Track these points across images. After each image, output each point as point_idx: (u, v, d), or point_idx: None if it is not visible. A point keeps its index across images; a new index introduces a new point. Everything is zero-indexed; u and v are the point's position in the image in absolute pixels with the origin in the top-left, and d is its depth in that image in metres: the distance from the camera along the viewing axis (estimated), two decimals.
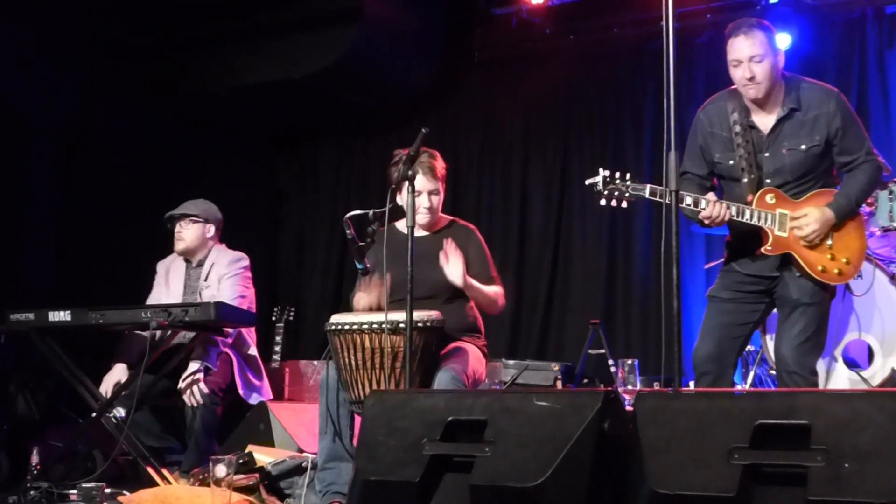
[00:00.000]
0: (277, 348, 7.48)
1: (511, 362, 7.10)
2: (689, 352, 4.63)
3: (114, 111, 7.90)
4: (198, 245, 5.94)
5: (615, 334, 7.85)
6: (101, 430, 5.41)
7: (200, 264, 5.96)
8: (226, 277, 5.86)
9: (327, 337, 4.50)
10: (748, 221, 4.52)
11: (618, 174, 4.50)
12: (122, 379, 5.54)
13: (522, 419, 3.22)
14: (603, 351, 7.05)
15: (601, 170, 4.51)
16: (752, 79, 4.50)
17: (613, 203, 4.51)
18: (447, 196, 5.22)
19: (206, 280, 5.88)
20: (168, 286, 5.99)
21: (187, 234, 5.91)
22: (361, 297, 4.78)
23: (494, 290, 4.86)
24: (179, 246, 5.93)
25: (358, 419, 4.48)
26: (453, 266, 4.64)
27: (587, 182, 4.55)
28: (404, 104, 8.81)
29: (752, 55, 4.49)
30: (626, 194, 4.50)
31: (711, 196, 4.54)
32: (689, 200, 4.47)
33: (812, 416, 2.86)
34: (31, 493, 4.99)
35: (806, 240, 4.52)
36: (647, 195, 4.47)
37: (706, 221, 4.50)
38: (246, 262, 5.96)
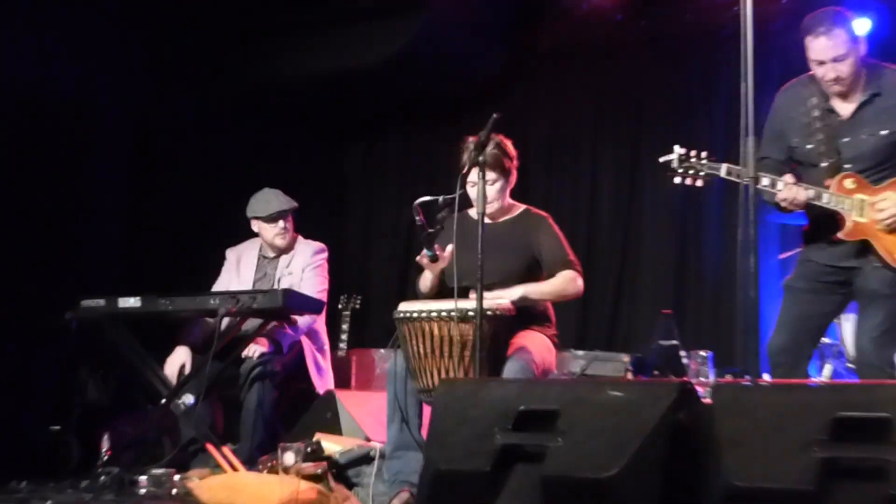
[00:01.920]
0: (344, 336, 7.50)
1: (580, 353, 7.05)
2: (765, 343, 4.57)
3: (181, 101, 7.94)
4: (292, 238, 6.08)
5: (686, 324, 7.76)
6: (170, 416, 5.47)
7: (278, 257, 6.05)
8: (310, 268, 5.98)
9: (395, 325, 4.51)
10: (825, 206, 4.44)
11: (693, 152, 4.46)
12: (187, 363, 5.61)
13: (596, 409, 3.21)
14: (674, 342, 7.00)
15: (676, 147, 4.47)
16: (836, 79, 4.42)
17: (688, 181, 4.48)
18: (516, 185, 5.19)
19: (288, 267, 5.98)
20: (239, 273, 6.07)
21: (290, 228, 6.04)
22: (426, 276, 4.85)
23: (557, 282, 4.81)
24: (284, 242, 6.02)
25: (426, 408, 4.50)
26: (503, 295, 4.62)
27: (661, 160, 4.52)
28: (471, 92, 8.77)
29: (834, 56, 4.39)
30: (702, 172, 4.46)
31: (789, 177, 4.46)
32: (766, 182, 4.39)
33: (893, 409, 2.81)
34: (102, 478, 5.05)
35: (885, 224, 4.42)
36: (722, 174, 4.42)
37: (783, 204, 4.42)
38: (326, 252, 6.09)
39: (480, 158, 4.35)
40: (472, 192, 4.73)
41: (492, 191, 4.84)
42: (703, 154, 4.48)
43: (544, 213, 5.05)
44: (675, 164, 4.48)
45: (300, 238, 6.13)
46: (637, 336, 8.02)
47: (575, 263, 4.89)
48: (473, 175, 4.59)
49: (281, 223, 5.99)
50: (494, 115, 4.30)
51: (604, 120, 8.63)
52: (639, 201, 8.36)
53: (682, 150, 4.47)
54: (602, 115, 8.64)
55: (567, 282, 4.83)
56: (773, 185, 4.41)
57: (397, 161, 9.62)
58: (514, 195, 5.11)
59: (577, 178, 8.68)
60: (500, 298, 4.52)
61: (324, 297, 5.89)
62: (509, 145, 4.97)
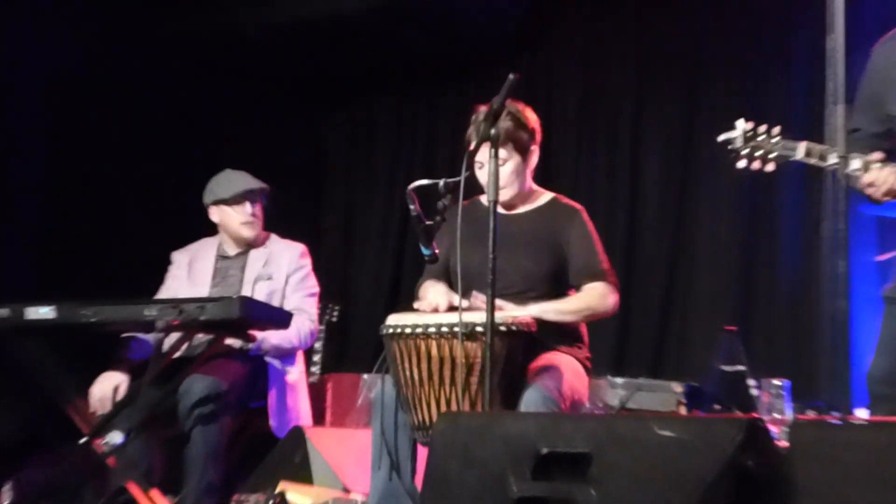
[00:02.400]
0: (317, 357, 7.51)
1: (619, 381, 7.05)
2: (858, 368, 4.52)
3: (118, 58, 7.94)
4: (262, 228, 6.16)
5: (755, 345, 7.74)
6: (93, 458, 5.42)
7: (244, 254, 6.11)
8: (300, 278, 6.09)
9: (383, 343, 4.50)
10: None
11: (762, 127, 4.41)
12: (120, 389, 5.58)
13: (639, 453, 3.19)
14: (741, 367, 6.97)
15: (740, 122, 4.42)
16: None
17: (755, 165, 4.42)
18: (537, 167, 5.16)
19: (265, 267, 6.05)
20: (192, 279, 6.09)
21: (260, 215, 6.13)
22: (431, 287, 4.85)
23: (584, 298, 4.83)
24: (252, 231, 6.10)
25: (422, 449, 4.49)
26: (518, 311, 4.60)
27: (721, 138, 4.47)
28: (483, 48, 8.77)
29: None
30: (773, 154, 4.40)
31: (877, 155, 4.40)
32: (856, 164, 4.33)
33: None
34: None
35: None
36: (800, 156, 4.36)
37: (868, 190, 4.36)
38: (309, 255, 6.21)
39: (492, 132, 4.32)
40: (482, 174, 4.72)
41: (505, 172, 4.85)
42: (776, 130, 4.43)
43: (578, 205, 5.07)
44: (738, 144, 4.43)
45: (274, 237, 6.21)
46: (692, 360, 8.00)
47: (609, 274, 4.91)
48: (483, 153, 4.57)
49: (248, 206, 6.05)
50: (511, 77, 4.26)
51: (649, 84, 8.63)
52: (693, 189, 8.36)
53: (748, 125, 4.42)
54: (647, 80, 8.63)
55: (597, 298, 4.85)
56: (865, 167, 4.34)
57: (389, 136, 9.67)
58: (536, 180, 5.09)
59: (615, 156, 8.69)
60: (517, 310, 4.49)
61: (314, 309, 6.05)
62: (530, 115, 4.97)
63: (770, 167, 4.45)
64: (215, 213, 6.12)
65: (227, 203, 6.06)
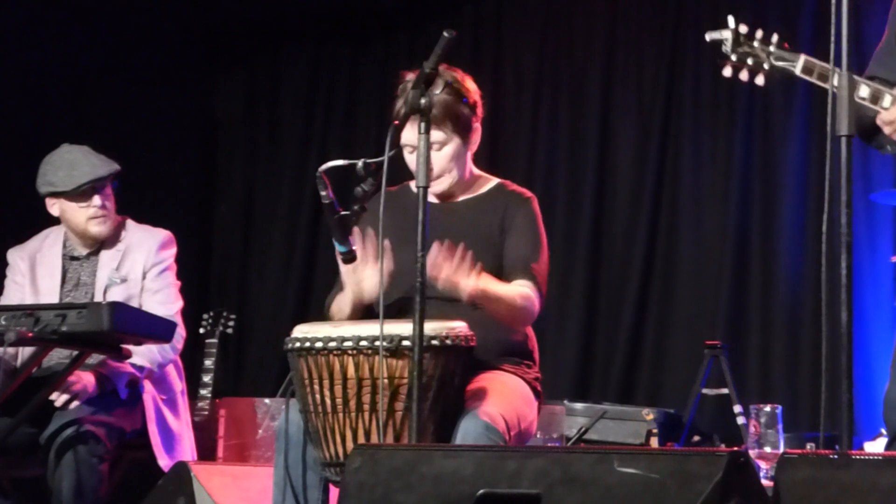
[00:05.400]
0: (207, 378, 7.49)
1: (579, 406, 7.11)
2: (867, 393, 4.61)
3: None
4: (116, 219, 6.05)
5: (743, 363, 7.86)
6: None
7: (98, 250, 6.02)
8: (158, 272, 5.98)
9: (288, 360, 4.50)
10: None
11: (759, 33, 4.46)
12: None
13: (597, 495, 3.22)
14: (726, 391, 7.03)
15: (731, 19, 4.48)
16: None
17: (744, 76, 4.48)
18: (483, 144, 5.20)
19: (118, 270, 5.95)
20: (35, 285, 6.01)
21: (111, 207, 5.99)
22: (346, 300, 4.80)
23: (514, 292, 4.81)
24: (104, 228, 5.96)
25: (335, 491, 4.47)
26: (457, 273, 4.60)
27: (709, 37, 4.52)
28: None
29: None
30: (766, 64, 4.47)
31: None
32: (864, 92, 4.37)
33: None
34: None
35: None
36: (798, 71, 4.42)
37: (886, 130, 4.40)
38: (175, 246, 6.10)
39: (422, 101, 4.33)
40: (412, 160, 4.75)
41: (440, 158, 4.87)
42: (774, 38, 4.47)
43: (528, 193, 5.06)
44: (727, 47, 4.48)
45: (130, 223, 6.09)
46: (668, 382, 8.08)
47: (539, 277, 4.89)
48: (411, 134, 4.60)
49: (97, 199, 5.91)
50: (445, 35, 4.30)
51: (623, 39, 8.72)
52: (674, 177, 8.44)
53: (743, 29, 4.47)
54: (620, 33, 8.73)
55: (521, 299, 4.81)
56: (874, 98, 4.38)
57: (298, 103, 9.64)
58: (480, 161, 5.13)
59: (580, 133, 8.77)
60: (454, 321, 4.51)
61: (179, 315, 5.91)
62: (470, 85, 4.95)
63: (760, 80, 4.51)
64: (54, 207, 5.98)
65: (69, 197, 5.91)
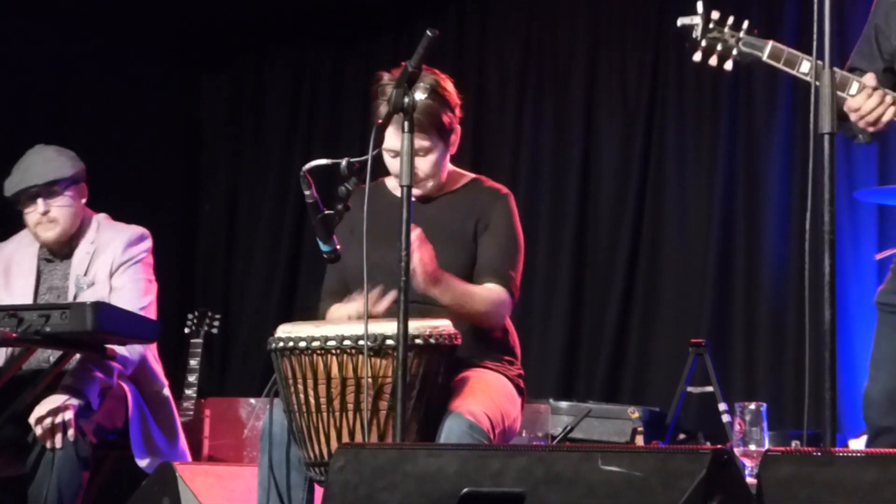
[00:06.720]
0: (193, 378, 7.48)
1: (563, 405, 7.11)
2: (851, 391, 4.61)
3: None
4: (75, 224, 5.91)
5: (728, 361, 7.88)
6: None
7: (70, 252, 5.94)
8: (125, 269, 5.86)
9: (272, 360, 4.50)
10: None
11: (730, 20, 4.47)
12: None
13: (580, 493, 3.21)
14: (710, 389, 7.04)
15: (699, 5, 4.49)
16: None
17: (713, 61, 4.50)
18: (465, 143, 5.19)
19: (86, 275, 5.86)
20: (9, 287, 5.96)
21: (61, 213, 5.83)
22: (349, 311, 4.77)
23: (484, 294, 4.80)
24: (51, 234, 5.85)
25: (320, 490, 4.47)
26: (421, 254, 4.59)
27: (680, 22, 4.54)
28: None
29: None
30: (735, 51, 4.48)
31: (870, 78, 4.43)
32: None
33: None
34: None
35: None
36: (765, 57, 4.44)
37: (853, 117, 4.39)
38: (149, 242, 5.99)
39: (405, 100, 4.32)
40: (394, 165, 4.75)
41: (425, 164, 4.85)
42: (745, 24, 4.49)
43: (504, 189, 5.05)
44: (697, 33, 4.50)
45: (104, 222, 6.00)
46: (653, 380, 8.10)
47: (513, 281, 4.88)
48: (394, 140, 4.60)
49: (41, 205, 5.78)
50: (429, 33, 4.28)
51: (606, 36, 8.72)
52: (658, 175, 8.44)
53: (714, 15, 4.48)
54: (603, 29, 8.73)
55: (493, 303, 4.81)
56: (842, 86, 4.35)
57: (282, 103, 9.64)
58: (462, 159, 5.11)
59: (562, 130, 8.75)
60: (438, 320, 4.50)
61: (150, 312, 5.82)
62: (450, 87, 4.93)
63: (728, 65, 4.53)
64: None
65: (20, 201, 5.83)
